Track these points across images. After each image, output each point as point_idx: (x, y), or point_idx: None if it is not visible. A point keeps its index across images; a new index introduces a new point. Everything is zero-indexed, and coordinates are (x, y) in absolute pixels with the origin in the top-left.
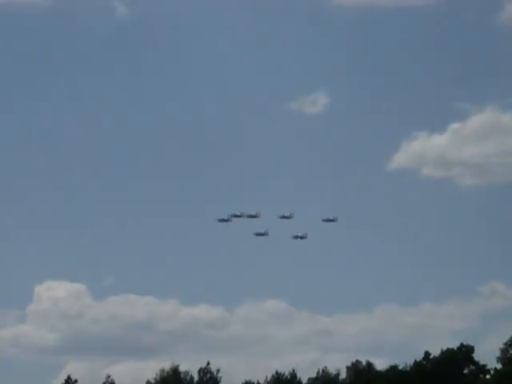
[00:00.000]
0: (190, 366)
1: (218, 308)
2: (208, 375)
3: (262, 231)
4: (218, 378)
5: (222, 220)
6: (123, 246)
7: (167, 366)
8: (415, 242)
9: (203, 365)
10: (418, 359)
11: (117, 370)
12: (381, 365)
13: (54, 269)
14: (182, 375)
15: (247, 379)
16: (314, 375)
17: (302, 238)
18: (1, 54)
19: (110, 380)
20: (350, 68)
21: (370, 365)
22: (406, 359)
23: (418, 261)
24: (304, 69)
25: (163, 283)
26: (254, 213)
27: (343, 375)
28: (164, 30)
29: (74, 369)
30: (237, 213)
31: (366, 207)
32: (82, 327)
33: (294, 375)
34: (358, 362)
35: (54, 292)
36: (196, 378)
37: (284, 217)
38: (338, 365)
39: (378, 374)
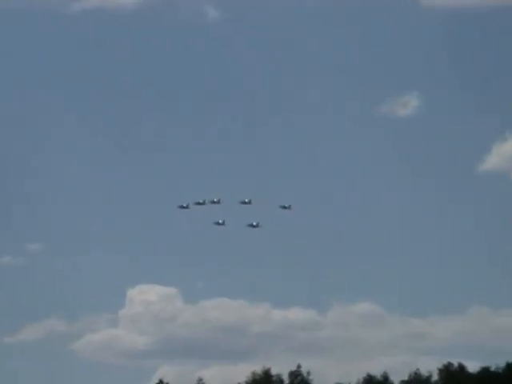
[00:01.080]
0: (281, 368)
1: (310, 311)
2: (299, 378)
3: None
4: (309, 381)
5: None
6: (214, 250)
7: (258, 369)
8: (508, 243)
9: (294, 368)
10: (510, 361)
11: (208, 374)
12: (473, 367)
13: (147, 273)
14: (274, 378)
15: (338, 382)
16: (405, 378)
17: None
18: (89, 56)
19: (201, 383)
20: (441, 69)
21: (462, 367)
22: (498, 361)
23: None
24: (395, 70)
25: (255, 287)
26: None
27: (435, 377)
28: (255, 32)
29: (165, 372)
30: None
31: (458, 209)
32: (173, 331)
33: (385, 377)
34: (449, 364)
35: (146, 296)
36: (287, 380)
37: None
38: (430, 367)
39: (470, 376)
